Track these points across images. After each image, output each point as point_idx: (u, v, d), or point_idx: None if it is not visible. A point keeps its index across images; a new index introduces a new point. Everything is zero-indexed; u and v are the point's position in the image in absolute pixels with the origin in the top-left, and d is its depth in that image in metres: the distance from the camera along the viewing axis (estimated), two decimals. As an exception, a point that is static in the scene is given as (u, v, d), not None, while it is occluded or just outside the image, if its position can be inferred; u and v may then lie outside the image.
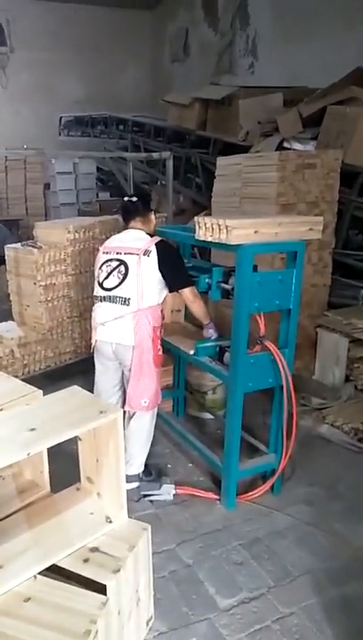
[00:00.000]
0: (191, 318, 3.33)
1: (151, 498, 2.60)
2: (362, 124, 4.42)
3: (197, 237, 2.37)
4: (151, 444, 3.11)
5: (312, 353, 3.96)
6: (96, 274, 2.57)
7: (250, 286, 2.23)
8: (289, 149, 4.85)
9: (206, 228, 2.28)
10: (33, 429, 1.50)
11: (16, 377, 2.33)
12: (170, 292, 2.53)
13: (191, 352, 2.66)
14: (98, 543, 1.66)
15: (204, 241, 2.35)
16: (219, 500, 2.59)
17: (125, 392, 2.66)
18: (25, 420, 1.55)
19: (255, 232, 2.18)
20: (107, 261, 2.51)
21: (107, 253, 2.54)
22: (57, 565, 1.58)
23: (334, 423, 3.23)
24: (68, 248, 3.65)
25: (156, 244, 2.45)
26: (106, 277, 2.48)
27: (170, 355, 3.49)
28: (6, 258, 3.79)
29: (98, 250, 3.66)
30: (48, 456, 1.92)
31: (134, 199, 2.62)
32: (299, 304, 2.44)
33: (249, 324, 2.31)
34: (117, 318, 2.44)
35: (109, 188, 9.40)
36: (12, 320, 3.90)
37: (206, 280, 2.49)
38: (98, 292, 2.53)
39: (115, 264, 2.47)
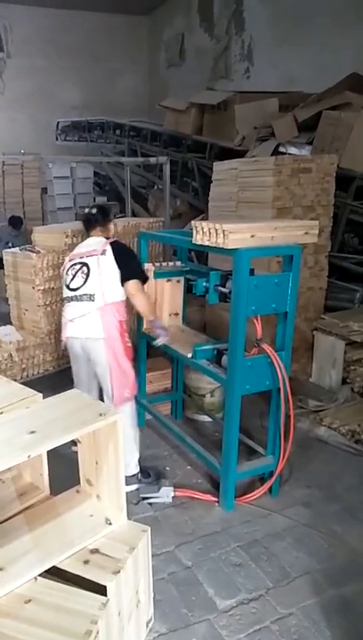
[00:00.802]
0: (188, 320, 3.36)
1: (150, 500, 2.61)
2: (357, 128, 4.46)
3: (194, 242, 2.39)
4: (150, 447, 3.13)
5: (309, 356, 3.99)
6: (63, 279, 2.78)
7: (247, 290, 2.26)
8: (285, 154, 4.89)
9: (203, 233, 2.31)
10: (33, 432, 1.51)
11: (15, 381, 2.34)
12: (122, 283, 2.62)
13: (189, 355, 2.68)
14: (98, 545, 1.67)
15: (201, 245, 2.37)
16: (217, 502, 2.61)
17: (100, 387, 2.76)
18: (25, 423, 1.57)
19: (252, 236, 2.21)
20: (72, 266, 2.71)
21: (71, 260, 2.75)
22: (57, 567, 1.59)
23: (331, 425, 3.25)
24: (67, 252, 3.66)
25: (110, 244, 2.68)
26: (72, 279, 2.68)
27: (168, 357, 3.52)
28: (5, 262, 3.81)
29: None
30: (48, 459, 1.94)
31: (94, 211, 2.87)
32: (295, 307, 2.46)
33: (246, 327, 2.33)
34: (85, 315, 2.61)
35: (106, 193, 9.43)
36: (11, 324, 3.91)
37: (204, 284, 2.51)
38: (66, 293, 2.72)
39: (78, 267, 2.67)
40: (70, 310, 2.67)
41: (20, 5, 10.47)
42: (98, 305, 2.58)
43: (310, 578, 2.16)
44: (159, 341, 2.82)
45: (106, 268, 2.61)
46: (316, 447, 3.16)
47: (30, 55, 10.85)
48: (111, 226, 2.91)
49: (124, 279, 2.62)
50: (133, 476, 2.71)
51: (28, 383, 2.65)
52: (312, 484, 2.79)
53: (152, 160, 5.34)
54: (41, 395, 1.87)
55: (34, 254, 3.56)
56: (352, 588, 2.10)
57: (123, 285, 2.63)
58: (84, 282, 2.62)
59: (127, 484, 2.26)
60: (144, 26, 11.72)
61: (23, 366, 3.62)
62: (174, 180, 6.73)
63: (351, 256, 4.66)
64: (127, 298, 2.67)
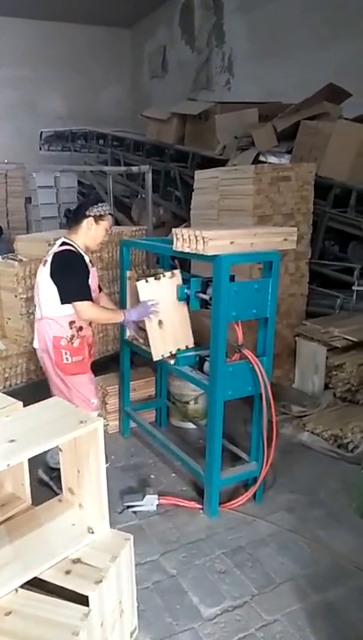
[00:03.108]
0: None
1: (135, 509, 2.60)
2: (334, 138, 4.55)
3: (174, 249, 2.41)
4: (134, 455, 3.12)
5: (292, 362, 4.02)
6: None
7: (227, 296, 2.28)
8: (265, 163, 4.96)
9: (184, 240, 2.33)
10: (13, 440, 1.50)
11: (-4, 390, 2.32)
12: (61, 303, 2.51)
13: (172, 361, 2.68)
14: (80, 554, 1.66)
15: (182, 252, 2.39)
16: (202, 509, 2.60)
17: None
18: (4, 432, 1.55)
19: (231, 243, 2.23)
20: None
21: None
22: (39, 578, 1.57)
23: (314, 430, 3.27)
24: (49, 261, 3.66)
25: (54, 254, 2.53)
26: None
27: (151, 365, 3.51)
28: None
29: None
30: (30, 468, 1.91)
31: (70, 209, 2.70)
32: (276, 313, 2.49)
33: (227, 333, 2.35)
34: (35, 321, 2.70)
35: (90, 202, 9.42)
36: (-7, 334, 3.87)
37: (185, 290, 2.52)
38: None
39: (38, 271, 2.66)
40: None
41: (5, 17, 10.50)
42: (37, 317, 2.64)
43: (294, 584, 2.16)
44: (150, 318, 2.62)
45: (43, 280, 2.54)
46: (299, 452, 3.18)
47: (15, 66, 10.86)
48: (83, 230, 2.59)
49: (66, 299, 2.50)
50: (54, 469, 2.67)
51: (11, 393, 2.61)
52: (296, 490, 2.80)
53: (134, 169, 5.37)
54: (21, 403, 1.86)
55: (16, 262, 3.53)
56: (336, 593, 2.11)
57: (62, 303, 2.51)
58: (34, 289, 2.68)
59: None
60: (127, 38, 11.84)
61: (6, 375, 3.58)
62: (157, 188, 6.77)
63: (332, 263, 4.73)
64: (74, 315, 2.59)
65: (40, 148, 10.81)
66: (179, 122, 6.93)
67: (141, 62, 11.39)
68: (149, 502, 2.60)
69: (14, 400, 1.87)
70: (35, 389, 3.61)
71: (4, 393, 2.03)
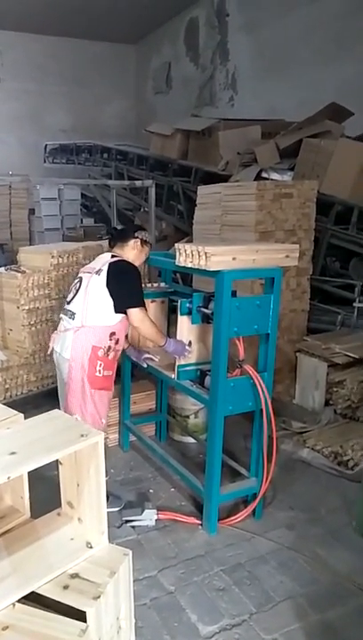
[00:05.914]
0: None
1: (133, 523, 2.58)
2: (336, 156, 4.61)
3: (177, 263, 2.43)
4: (134, 469, 3.10)
5: (292, 377, 4.02)
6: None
7: (229, 311, 2.29)
8: (267, 179, 5.02)
9: (186, 255, 2.35)
10: (13, 453, 1.50)
11: (-3, 402, 2.32)
12: (115, 312, 2.51)
13: (173, 376, 2.69)
14: (78, 569, 1.64)
15: (184, 267, 2.41)
16: (201, 525, 2.58)
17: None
18: (5, 444, 1.55)
19: (234, 259, 2.25)
20: (77, 277, 2.69)
21: (79, 272, 2.73)
22: (36, 592, 1.56)
23: (314, 447, 3.26)
24: (52, 272, 3.69)
25: (109, 264, 2.53)
26: (70, 292, 2.69)
27: (152, 379, 3.52)
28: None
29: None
30: (29, 481, 1.91)
31: (117, 228, 2.78)
32: (277, 328, 2.50)
33: (229, 349, 2.36)
34: (66, 330, 2.59)
35: (93, 215, 9.52)
36: (-6, 345, 3.88)
37: (187, 305, 2.54)
38: (64, 305, 2.75)
39: (77, 280, 2.66)
40: (60, 322, 2.69)
41: (12, 31, 10.72)
42: (75, 325, 2.53)
43: (293, 602, 2.14)
44: (181, 362, 2.64)
45: (94, 289, 2.50)
46: (299, 469, 3.16)
47: (21, 79, 11.07)
48: (129, 248, 2.66)
49: (118, 309, 2.50)
50: None
51: (12, 404, 2.61)
52: (296, 507, 2.79)
53: (138, 183, 5.43)
54: (22, 415, 1.86)
55: (19, 274, 3.56)
56: (335, 613, 2.09)
57: (116, 312, 2.51)
58: (73, 298, 2.60)
59: None
60: (132, 54, 12.05)
61: (7, 387, 3.58)
62: (160, 202, 6.84)
63: (333, 279, 4.76)
64: (117, 326, 2.56)
65: (45, 161, 10.95)
66: (182, 137, 7.03)
67: (146, 78, 11.58)
68: (148, 517, 2.59)
69: (15, 412, 1.87)
70: (35, 400, 3.62)
71: (5, 404, 2.03)
